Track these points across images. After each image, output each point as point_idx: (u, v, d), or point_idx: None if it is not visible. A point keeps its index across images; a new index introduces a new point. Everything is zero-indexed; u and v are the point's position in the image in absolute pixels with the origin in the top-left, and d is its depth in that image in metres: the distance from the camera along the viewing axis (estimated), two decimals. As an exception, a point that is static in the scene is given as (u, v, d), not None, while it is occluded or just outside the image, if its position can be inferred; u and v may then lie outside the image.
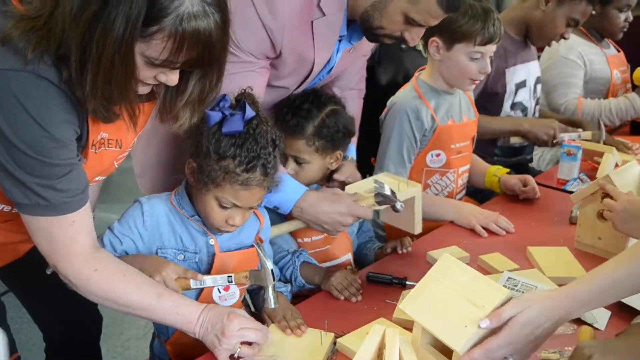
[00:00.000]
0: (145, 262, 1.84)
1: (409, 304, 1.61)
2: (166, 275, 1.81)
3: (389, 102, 2.73)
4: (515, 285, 2.06)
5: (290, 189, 2.15)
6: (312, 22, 2.06)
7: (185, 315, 1.75)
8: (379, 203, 2.17)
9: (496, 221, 2.58)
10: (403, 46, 3.54)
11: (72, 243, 1.64)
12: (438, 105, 2.68)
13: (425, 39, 2.60)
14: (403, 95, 2.70)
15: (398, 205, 2.15)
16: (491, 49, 2.56)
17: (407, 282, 2.14)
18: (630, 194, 2.21)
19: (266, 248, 2.10)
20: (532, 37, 3.41)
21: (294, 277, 2.21)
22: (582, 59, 3.88)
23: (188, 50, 1.44)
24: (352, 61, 2.42)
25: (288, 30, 2.01)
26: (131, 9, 1.35)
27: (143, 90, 1.57)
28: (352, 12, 2.10)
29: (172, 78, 1.53)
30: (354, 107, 2.58)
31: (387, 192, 2.17)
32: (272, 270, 1.84)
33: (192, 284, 1.84)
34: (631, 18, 3.94)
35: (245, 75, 2.02)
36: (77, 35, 1.38)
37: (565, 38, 3.38)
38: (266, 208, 2.15)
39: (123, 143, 1.75)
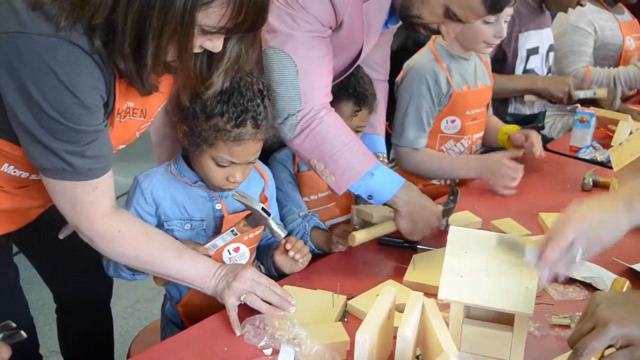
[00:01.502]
0: None
1: (446, 291, 1.54)
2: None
3: (405, 66, 2.71)
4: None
5: (389, 177, 2.08)
6: (362, 5, 2.02)
7: (203, 268, 1.78)
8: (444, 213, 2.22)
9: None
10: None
11: (94, 207, 1.65)
12: (454, 70, 2.65)
13: None
14: (420, 59, 2.67)
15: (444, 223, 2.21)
16: (507, 12, 2.50)
17: (419, 247, 2.13)
18: None
19: (272, 207, 2.12)
20: (549, 3, 3.36)
21: (304, 242, 2.19)
22: (593, 26, 3.83)
23: (246, 16, 1.45)
24: (384, 41, 2.41)
25: (350, 6, 1.98)
26: None
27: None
28: None
29: (217, 44, 1.53)
30: (380, 91, 2.54)
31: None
32: (262, 208, 1.86)
33: (206, 249, 1.87)
34: None
35: (318, 41, 1.99)
36: (133, 7, 1.38)
37: (582, 5, 3.33)
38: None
39: (147, 113, 1.74)
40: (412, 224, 2.09)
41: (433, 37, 2.71)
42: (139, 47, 1.43)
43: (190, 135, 1.82)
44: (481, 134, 2.83)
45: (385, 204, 2.08)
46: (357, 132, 2.31)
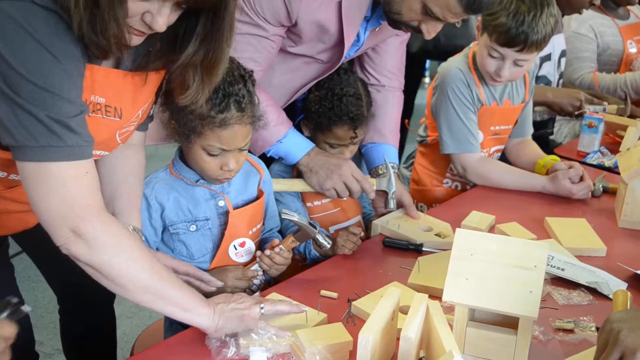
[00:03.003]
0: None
1: (450, 293, 1.54)
2: (233, 284, 1.92)
3: (440, 69, 2.68)
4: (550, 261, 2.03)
5: (295, 146, 2.22)
6: (339, 2, 2.04)
7: (204, 302, 1.64)
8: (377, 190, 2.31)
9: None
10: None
11: (90, 196, 1.48)
12: (485, 85, 2.62)
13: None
14: (457, 64, 2.62)
15: (391, 204, 2.33)
16: (511, 54, 2.41)
17: (424, 249, 2.13)
18: None
19: (269, 200, 2.13)
20: (562, 5, 3.34)
21: (308, 251, 2.21)
22: (594, 32, 3.83)
23: None
24: (382, 40, 2.39)
25: (306, 3, 2.00)
26: None
27: (135, 41, 1.45)
28: None
29: (158, 20, 1.39)
30: (395, 100, 2.53)
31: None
32: (309, 222, 1.92)
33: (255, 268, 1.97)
34: None
35: (254, 39, 2.02)
36: None
37: (593, 4, 3.31)
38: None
39: (123, 113, 1.63)
40: (315, 175, 2.23)
41: (473, 45, 2.66)
42: None
43: (179, 128, 1.83)
44: (500, 147, 2.81)
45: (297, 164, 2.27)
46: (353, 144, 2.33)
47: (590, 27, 3.82)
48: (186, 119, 1.79)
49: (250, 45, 1.95)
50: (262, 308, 1.67)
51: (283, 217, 1.92)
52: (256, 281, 1.97)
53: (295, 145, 2.23)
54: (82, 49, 1.41)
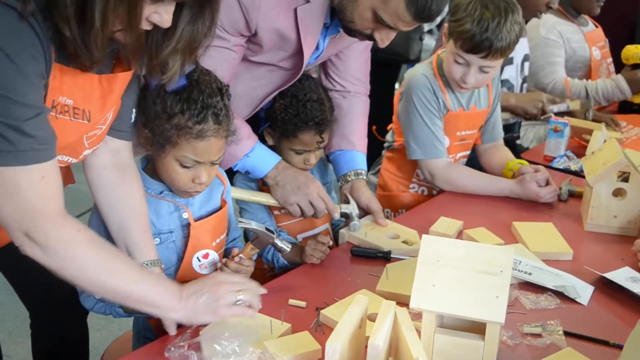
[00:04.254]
0: None
1: (418, 300, 1.54)
2: None
3: (406, 76, 2.68)
4: (517, 265, 2.04)
5: (262, 160, 2.22)
6: (295, 9, 2.04)
7: (169, 285, 1.67)
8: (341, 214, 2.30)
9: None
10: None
11: (44, 202, 1.46)
12: (450, 91, 2.62)
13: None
14: (422, 71, 2.61)
15: (356, 226, 2.29)
16: (476, 60, 2.41)
17: (392, 256, 2.13)
18: None
19: (230, 210, 2.12)
20: None
21: (276, 259, 2.22)
22: (562, 38, 3.88)
23: None
24: (344, 46, 2.39)
25: (264, 11, 2.00)
26: None
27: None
28: (335, 0, 2.06)
29: (166, 19, 1.43)
30: (360, 106, 2.54)
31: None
32: (266, 228, 1.91)
33: None
34: None
35: (215, 50, 2.00)
36: None
37: (550, 7, 3.34)
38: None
39: (92, 116, 1.62)
40: (281, 189, 2.22)
41: (438, 51, 2.68)
42: (84, 6, 1.32)
43: (152, 138, 1.81)
44: (466, 152, 2.82)
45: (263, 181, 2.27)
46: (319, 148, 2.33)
47: (559, 33, 3.87)
48: (162, 128, 1.78)
49: (211, 58, 1.94)
50: (239, 301, 1.67)
51: (239, 225, 1.92)
52: None
53: (262, 159, 2.22)
54: (49, 47, 1.40)
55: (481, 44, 2.35)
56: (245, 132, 2.18)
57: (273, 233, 1.94)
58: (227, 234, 2.10)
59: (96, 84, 1.58)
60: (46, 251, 1.48)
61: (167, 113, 1.76)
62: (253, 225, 1.92)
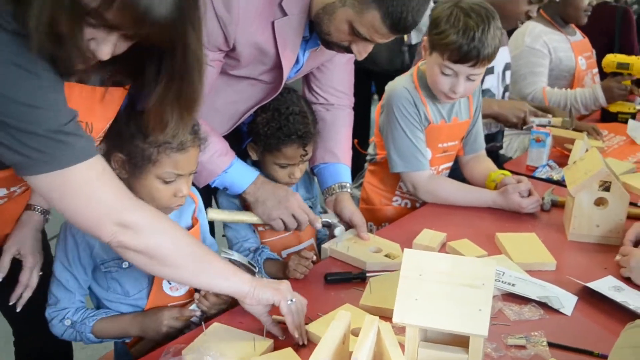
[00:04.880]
0: (143, 321, 1.89)
1: (400, 315, 1.53)
2: (169, 323, 1.87)
3: (386, 89, 2.67)
4: (501, 277, 2.04)
5: (240, 176, 2.21)
6: (273, 22, 2.04)
7: (238, 270, 1.78)
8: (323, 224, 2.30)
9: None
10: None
11: (118, 189, 1.56)
12: (431, 104, 2.62)
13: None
14: (403, 84, 2.61)
15: (337, 234, 2.30)
16: (464, 70, 2.41)
17: (367, 274, 2.10)
18: None
19: (203, 228, 2.11)
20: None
21: (260, 276, 2.18)
22: (547, 47, 3.91)
23: (119, 8, 1.28)
24: (326, 59, 2.40)
25: (242, 26, 2.00)
26: None
27: (79, 65, 1.43)
28: (312, 12, 2.07)
29: (102, 48, 1.37)
30: (344, 118, 2.54)
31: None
32: (248, 262, 1.94)
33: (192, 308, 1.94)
34: (594, 2, 3.95)
35: None
36: None
37: (530, 17, 3.35)
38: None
39: (94, 128, 1.66)
40: (262, 206, 2.22)
41: (418, 64, 2.68)
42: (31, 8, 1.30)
43: (130, 160, 1.79)
44: (449, 164, 2.83)
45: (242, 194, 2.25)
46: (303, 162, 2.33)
47: (545, 42, 3.90)
48: (140, 148, 1.76)
49: None
50: (292, 301, 1.76)
51: (222, 255, 1.90)
52: (195, 319, 1.93)
53: (240, 174, 2.22)
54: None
55: (469, 53, 2.36)
56: (222, 148, 2.18)
57: (255, 268, 1.93)
58: None
59: (98, 97, 1.60)
60: (139, 231, 1.58)
61: (143, 132, 1.73)
62: (235, 257, 1.91)
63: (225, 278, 1.73)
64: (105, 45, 1.38)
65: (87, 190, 1.50)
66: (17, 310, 1.93)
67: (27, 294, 1.96)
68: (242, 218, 2.27)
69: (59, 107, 1.44)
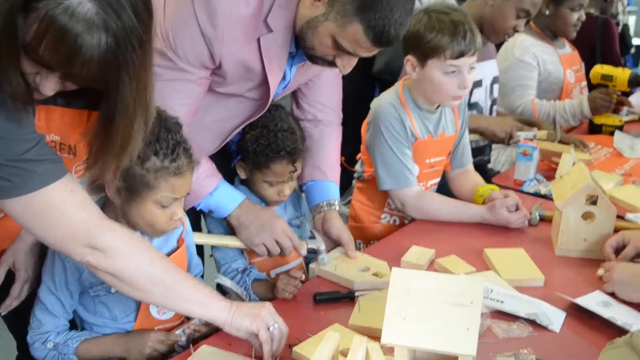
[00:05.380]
0: (128, 341, 1.88)
1: (389, 335, 1.52)
2: (153, 345, 1.86)
3: (372, 105, 2.68)
4: (489, 294, 2.04)
5: (225, 199, 2.21)
6: (258, 39, 2.04)
7: (215, 293, 1.76)
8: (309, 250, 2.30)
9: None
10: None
11: (86, 211, 1.56)
12: (418, 119, 2.63)
13: (404, 56, 2.55)
14: (388, 100, 2.63)
15: (325, 260, 2.27)
16: (467, 62, 2.46)
17: (356, 294, 2.10)
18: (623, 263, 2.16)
19: (192, 250, 2.11)
20: (487, 33, 3.38)
21: (248, 295, 2.20)
22: (536, 60, 3.93)
23: (49, 46, 1.27)
24: (314, 75, 2.40)
25: (227, 43, 2.00)
26: None
27: (37, 95, 1.42)
28: (296, 28, 2.07)
29: (45, 84, 1.37)
30: (332, 135, 2.54)
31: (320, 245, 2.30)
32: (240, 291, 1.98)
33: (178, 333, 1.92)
34: (584, 17, 3.98)
35: (180, 84, 2.01)
36: None
37: (517, 31, 3.37)
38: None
39: (77, 151, 1.67)
40: (246, 230, 2.22)
41: (403, 79, 2.69)
42: None
43: (127, 186, 1.79)
44: (437, 179, 2.83)
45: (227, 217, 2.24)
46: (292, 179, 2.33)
47: (534, 55, 3.92)
48: (137, 174, 1.76)
49: (176, 92, 1.94)
50: (274, 327, 1.74)
51: (216, 281, 1.90)
52: (181, 342, 1.92)
53: (225, 197, 2.21)
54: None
55: (468, 44, 2.42)
56: (209, 169, 2.18)
57: (247, 297, 1.94)
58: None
59: (84, 119, 1.61)
60: (109, 254, 1.59)
61: (140, 158, 1.73)
62: (228, 283, 1.93)
63: (200, 305, 1.72)
64: (48, 82, 1.37)
65: (53, 213, 1.51)
66: (2, 313, 1.96)
67: (15, 304, 1.99)
68: (227, 242, 2.27)
69: (21, 135, 1.44)
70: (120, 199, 1.81)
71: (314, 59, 2.09)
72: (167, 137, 1.78)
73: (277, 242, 2.22)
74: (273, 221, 2.22)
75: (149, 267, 1.66)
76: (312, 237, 2.35)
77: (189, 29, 1.96)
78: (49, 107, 1.53)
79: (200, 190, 2.15)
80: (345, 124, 2.61)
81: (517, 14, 3.28)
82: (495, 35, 3.40)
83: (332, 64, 2.08)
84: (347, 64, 2.07)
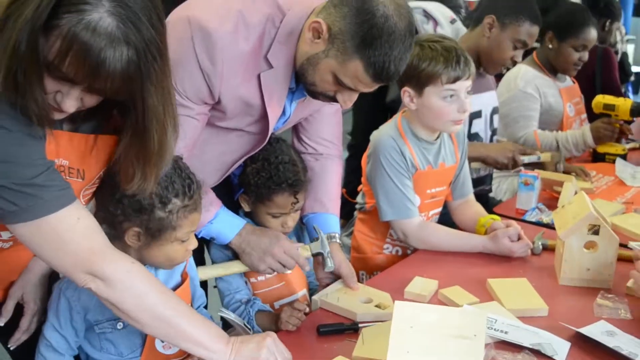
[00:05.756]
0: None
1: None
2: None
3: (371, 137, 2.70)
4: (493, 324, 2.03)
5: (226, 226, 2.22)
6: (259, 75, 2.06)
7: (216, 329, 1.75)
8: (313, 255, 2.28)
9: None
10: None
11: (90, 240, 1.58)
12: (417, 150, 2.64)
13: (399, 88, 2.57)
14: (387, 132, 2.64)
15: (329, 263, 2.25)
16: (463, 85, 2.49)
17: (360, 325, 2.09)
18: None
19: (195, 283, 2.12)
20: (485, 65, 3.40)
21: (251, 327, 2.18)
22: (539, 92, 3.94)
23: (73, 62, 1.32)
24: (314, 110, 2.41)
25: (227, 79, 2.01)
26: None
27: (55, 114, 1.46)
28: (297, 64, 2.08)
29: (66, 101, 1.41)
30: (332, 168, 2.54)
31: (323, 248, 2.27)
32: (244, 323, 1.97)
33: None
34: (586, 58, 3.97)
35: (181, 119, 2.01)
36: None
37: (515, 62, 3.39)
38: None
39: (86, 174, 1.68)
40: (249, 257, 2.22)
41: (401, 111, 2.71)
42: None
43: (148, 231, 1.80)
44: (438, 209, 2.83)
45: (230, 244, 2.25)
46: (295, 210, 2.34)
47: (536, 86, 3.93)
48: (158, 217, 1.79)
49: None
50: None
51: (219, 314, 1.91)
52: None
53: (225, 225, 2.22)
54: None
55: (463, 68, 2.47)
56: (208, 197, 2.18)
57: (251, 330, 1.93)
58: (192, 306, 2.07)
59: (90, 144, 1.63)
60: (108, 283, 1.60)
61: (162, 202, 1.78)
62: (232, 317, 1.92)
63: (199, 345, 1.70)
64: (69, 99, 1.42)
65: (58, 240, 1.54)
66: (11, 348, 1.97)
67: (24, 337, 1.98)
68: (233, 270, 2.27)
69: (30, 160, 1.48)
70: (139, 242, 1.83)
71: (315, 94, 2.11)
72: (182, 176, 1.82)
73: (280, 263, 2.22)
74: (274, 244, 2.22)
75: (149, 301, 1.65)
76: (316, 240, 2.33)
77: (188, 65, 1.97)
78: (57, 132, 1.55)
79: (202, 219, 2.13)
80: (357, 154, 2.63)
81: (514, 45, 3.30)
82: (493, 67, 3.42)
83: (333, 99, 2.09)
84: (348, 99, 2.08)
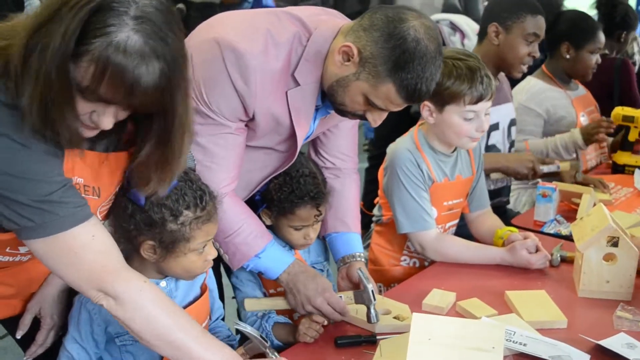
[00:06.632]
0: None
1: None
2: None
3: (388, 150, 2.71)
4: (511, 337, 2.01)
5: (275, 260, 2.19)
6: (286, 92, 2.07)
7: (229, 353, 1.71)
8: (356, 301, 2.21)
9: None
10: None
11: (104, 258, 1.59)
12: (433, 162, 2.65)
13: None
14: (403, 145, 2.65)
15: (373, 317, 2.16)
16: (484, 106, 2.50)
17: (378, 337, 2.09)
18: None
19: (213, 294, 2.13)
20: (505, 71, 3.38)
21: (270, 341, 2.17)
22: (544, 107, 3.88)
23: (110, 84, 1.36)
24: (332, 125, 2.41)
25: (260, 97, 2.02)
26: (70, 24, 1.32)
27: (88, 133, 1.50)
28: (324, 84, 2.10)
29: (103, 120, 1.45)
30: (352, 185, 2.55)
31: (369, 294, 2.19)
32: (260, 335, 1.91)
33: None
34: (599, 60, 3.97)
35: (221, 138, 2.05)
36: (21, 43, 1.36)
37: (535, 57, 3.35)
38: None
39: (102, 192, 1.69)
40: (294, 299, 2.18)
41: (418, 123, 2.72)
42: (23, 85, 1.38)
43: (162, 244, 1.82)
44: (455, 221, 2.83)
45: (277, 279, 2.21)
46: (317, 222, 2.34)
47: (541, 101, 3.88)
48: (173, 231, 1.80)
49: (219, 146, 2.01)
50: None
51: (235, 327, 1.91)
52: None
53: (274, 260, 2.20)
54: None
55: (485, 90, 2.46)
56: (257, 230, 2.19)
57: (267, 342, 1.93)
58: (210, 318, 2.10)
59: (104, 162, 1.65)
60: (119, 302, 1.60)
61: (174, 215, 1.79)
62: (249, 329, 1.92)
63: None
64: (106, 117, 1.45)
65: (72, 256, 1.55)
66: None
67: (40, 351, 2.01)
68: (279, 305, 2.26)
69: (47, 177, 1.49)
70: (155, 255, 1.84)
71: (344, 113, 2.12)
72: (193, 188, 1.83)
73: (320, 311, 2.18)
74: (318, 295, 2.15)
75: (159, 324, 1.64)
76: (358, 289, 2.25)
77: (221, 86, 1.99)
78: (73, 150, 1.56)
79: (248, 251, 2.15)
80: (378, 164, 2.64)
81: (526, 41, 3.28)
82: (513, 69, 3.36)
83: (361, 117, 2.11)
84: (378, 118, 2.10)
